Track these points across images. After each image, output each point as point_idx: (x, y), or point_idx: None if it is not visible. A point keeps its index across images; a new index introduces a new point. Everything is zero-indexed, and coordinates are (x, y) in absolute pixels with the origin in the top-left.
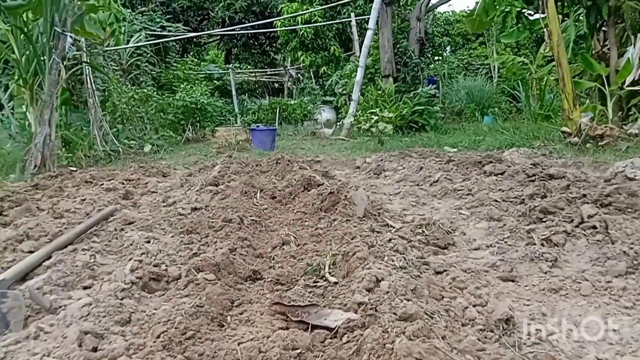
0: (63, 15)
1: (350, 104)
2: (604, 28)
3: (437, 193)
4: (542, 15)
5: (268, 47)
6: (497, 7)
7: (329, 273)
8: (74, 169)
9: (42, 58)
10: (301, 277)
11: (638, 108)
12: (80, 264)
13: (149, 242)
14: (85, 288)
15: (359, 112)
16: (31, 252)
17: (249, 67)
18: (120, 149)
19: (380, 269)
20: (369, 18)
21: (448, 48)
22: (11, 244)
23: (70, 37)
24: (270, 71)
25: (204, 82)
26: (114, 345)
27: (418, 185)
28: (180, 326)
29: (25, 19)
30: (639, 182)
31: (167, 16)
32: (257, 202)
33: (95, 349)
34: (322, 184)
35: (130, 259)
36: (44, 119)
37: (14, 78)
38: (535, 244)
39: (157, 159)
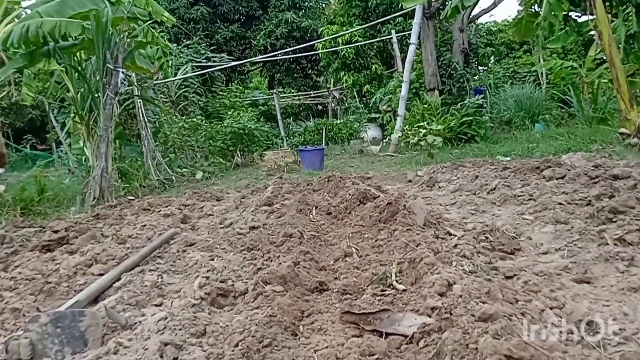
0: (114, 52)
1: (396, 119)
2: None
3: (496, 200)
4: (590, 17)
5: (310, 70)
6: (562, 7)
7: (397, 281)
8: (132, 198)
9: (96, 95)
10: (367, 286)
11: None
12: (149, 284)
13: (212, 260)
14: (156, 306)
15: (406, 127)
16: (101, 274)
17: (292, 91)
18: (173, 177)
19: (450, 273)
20: (409, 34)
21: (492, 58)
22: (81, 269)
23: (122, 72)
24: (314, 93)
25: (250, 108)
26: (194, 355)
27: (475, 194)
28: (257, 334)
29: (78, 58)
30: None
31: (211, 47)
32: (314, 219)
33: None
34: (378, 196)
35: (197, 277)
36: (101, 153)
37: (70, 116)
38: (608, 244)
39: (209, 185)
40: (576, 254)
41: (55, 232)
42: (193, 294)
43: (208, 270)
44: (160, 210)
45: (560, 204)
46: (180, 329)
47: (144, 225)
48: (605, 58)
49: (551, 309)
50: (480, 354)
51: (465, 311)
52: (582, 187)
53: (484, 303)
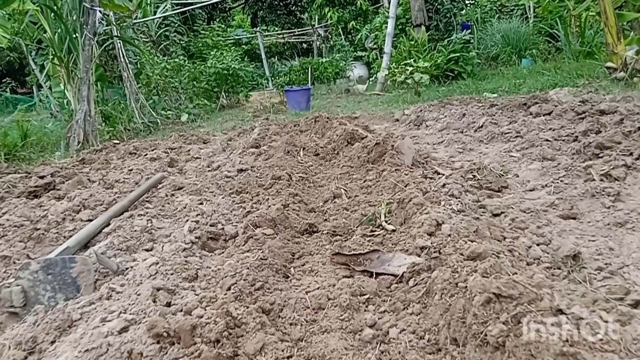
0: None
1: (382, 57)
2: None
3: (483, 138)
4: None
5: (294, 7)
6: None
7: (386, 221)
8: (117, 142)
9: (74, 35)
10: (357, 227)
11: None
12: (139, 229)
13: (201, 204)
14: (147, 250)
15: (393, 64)
16: (90, 220)
17: (276, 29)
18: (158, 120)
19: (439, 213)
20: None
21: None
22: (69, 214)
23: (100, 11)
24: (298, 31)
25: (233, 47)
26: (187, 299)
27: (462, 132)
28: (249, 278)
29: None
30: None
31: None
32: (302, 160)
33: (169, 304)
34: (366, 136)
35: (187, 221)
36: (82, 96)
37: (49, 58)
38: (594, 180)
39: (195, 127)
40: (562, 190)
41: (41, 177)
42: (183, 238)
43: (197, 214)
44: (146, 154)
45: (547, 140)
46: (172, 274)
47: (131, 170)
48: None
49: (538, 245)
50: (469, 292)
51: (454, 250)
52: (568, 123)
53: (472, 242)
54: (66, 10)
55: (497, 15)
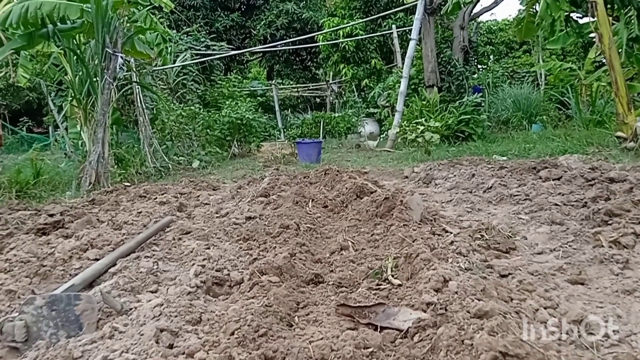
0: (114, 36)
1: (394, 115)
2: None
3: (492, 199)
4: (592, 19)
5: (309, 63)
6: (559, 7)
7: (392, 275)
8: (128, 184)
9: (94, 79)
10: (363, 280)
11: None
12: (145, 270)
13: (208, 249)
14: (151, 292)
15: (404, 123)
16: (96, 259)
17: (291, 82)
18: (169, 165)
19: (446, 269)
20: (410, 29)
21: (492, 57)
22: (76, 253)
23: (121, 57)
24: (313, 86)
25: (248, 98)
26: (189, 342)
27: (471, 192)
28: (253, 324)
29: (77, 42)
30: None
31: (211, 36)
32: (310, 211)
33: (171, 346)
34: (375, 191)
35: (193, 265)
36: (98, 138)
37: (68, 99)
38: (603, 247)
39: (205, 174)
40: (571, 255)
41: (51, 215)
42: (189, 281)
43: (204, 259)
44: (156, 198)
45: (556, 204)
46: (176, 316)
47: (140, 212)
48: (604, 61)
49: (545, 308)
50: (475, 350)
51: (461, 307)
52: (578, 189)
53: (479, 300)
54: (89, 54)
55: (509, 80)
